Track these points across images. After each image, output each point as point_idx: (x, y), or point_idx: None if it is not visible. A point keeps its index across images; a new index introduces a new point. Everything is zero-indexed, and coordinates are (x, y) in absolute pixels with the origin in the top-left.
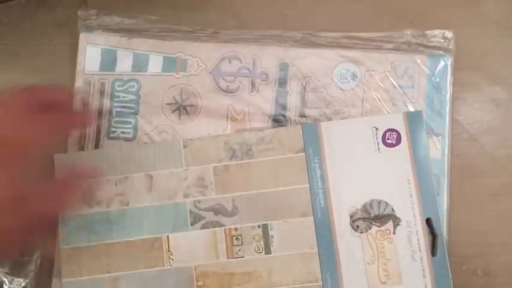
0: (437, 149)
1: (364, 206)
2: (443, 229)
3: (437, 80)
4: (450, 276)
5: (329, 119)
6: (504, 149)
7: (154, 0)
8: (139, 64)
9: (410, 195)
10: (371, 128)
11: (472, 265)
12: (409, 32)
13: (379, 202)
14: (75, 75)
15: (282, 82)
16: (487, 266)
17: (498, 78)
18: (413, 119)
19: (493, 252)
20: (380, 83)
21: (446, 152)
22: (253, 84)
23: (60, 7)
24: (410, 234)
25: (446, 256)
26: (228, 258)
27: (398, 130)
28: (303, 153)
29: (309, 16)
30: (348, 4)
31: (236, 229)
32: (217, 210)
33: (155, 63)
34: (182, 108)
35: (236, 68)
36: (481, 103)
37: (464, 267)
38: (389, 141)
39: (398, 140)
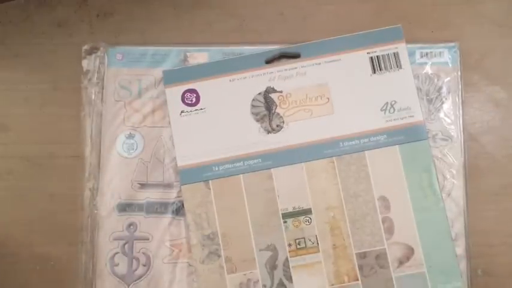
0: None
1: None
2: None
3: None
4: None
5: None
6: (504, 149)
7: None
8: None
9: None
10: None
11: (472, 265)
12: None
13: None
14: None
15: None
16: (487, 266)
17: (498, 78)
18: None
19: (493, 252)
20: None
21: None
22: None
23: (60, 7)
24: None
25: None
26: None
27: None
28: None
29: (309, 16)
30: (348, 4)
31: None
32: None
33: None
34: None
35: None
36: (481, 103)
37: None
38: None
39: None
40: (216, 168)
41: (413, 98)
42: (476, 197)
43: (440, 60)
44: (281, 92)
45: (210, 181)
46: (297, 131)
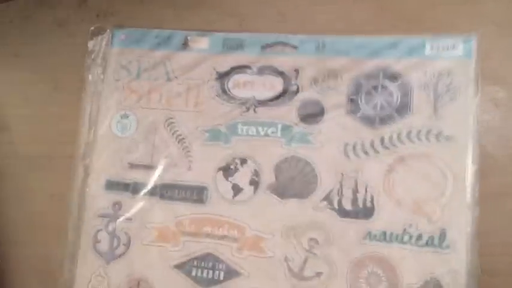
0: None
1: None
2: None
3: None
4: None
5: None
6: (504, 149)
7: None
8: None
9: None
10: None
11: (472, 265)
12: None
13: None
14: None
15: None
16: (487, 266)
17: (498, 78)
18: None
19: (493, 252)
20: None
21: None
22: None
23: (60, 7)
24: None
25: None
26: None
27: None
28: None
29: (309, 16)
30: (348, 4)
31: None
32: None
33: None
34: None
35: None
36: (481, 103)
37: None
38: None
39: None
40: None
41: None
42: (476, 197)
43: (453, 54)
44: None
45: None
46: None
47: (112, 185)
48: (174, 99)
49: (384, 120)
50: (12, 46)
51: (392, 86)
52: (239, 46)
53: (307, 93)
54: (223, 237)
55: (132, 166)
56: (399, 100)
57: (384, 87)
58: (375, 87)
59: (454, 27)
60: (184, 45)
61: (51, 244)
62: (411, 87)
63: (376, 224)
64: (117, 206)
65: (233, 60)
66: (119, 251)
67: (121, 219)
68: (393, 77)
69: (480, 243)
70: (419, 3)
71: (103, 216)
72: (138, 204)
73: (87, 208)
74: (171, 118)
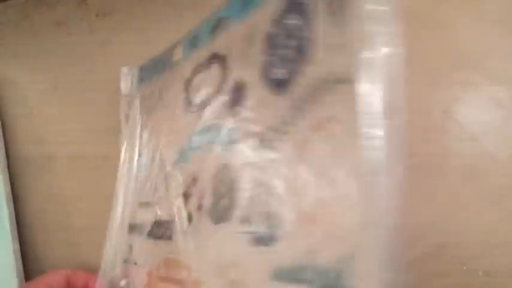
0: None
1: None
2: None
3: None
4: None
5: None
6: (504, 149)
7: None
8: None
9: None
10: None
11: (473, 266)
12: None
13: None
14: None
15: None
16: (488, 267)
17: (498, 78)
18: None
19: (494, 252)
20: None
21: None
22: None
23: (59, 6)
24: None
25: None
26: None
27: None
28: None
29: None
30: None
31: None
32: None
33: None
34: None
35: None
36: (481, 103)
37: (465, 268)
38: None
39: None
40: None
41: None
42: (476, 197)
43: None
44: None
45: None
46: None
47: (130, 227)
48: (161, 126)
49: None
50: (11, 46)
51: None
52: (196, 40)
53: (236, 73)
54: (179, 282)
55: (140, 205)
56: None
57: None
58: None
59: (455, 27)
60: (170, 61)
61: (51, 244)
62: None
63: (284, 253)
64: (130, 250)
65: (193, 59)
66: None
67: (131, 264)
68: None
69: (479, 243)
70: (419, 3)
71: (124, 261)
72: (139, 247)
73: (117, 254)
74: (159, 148)
